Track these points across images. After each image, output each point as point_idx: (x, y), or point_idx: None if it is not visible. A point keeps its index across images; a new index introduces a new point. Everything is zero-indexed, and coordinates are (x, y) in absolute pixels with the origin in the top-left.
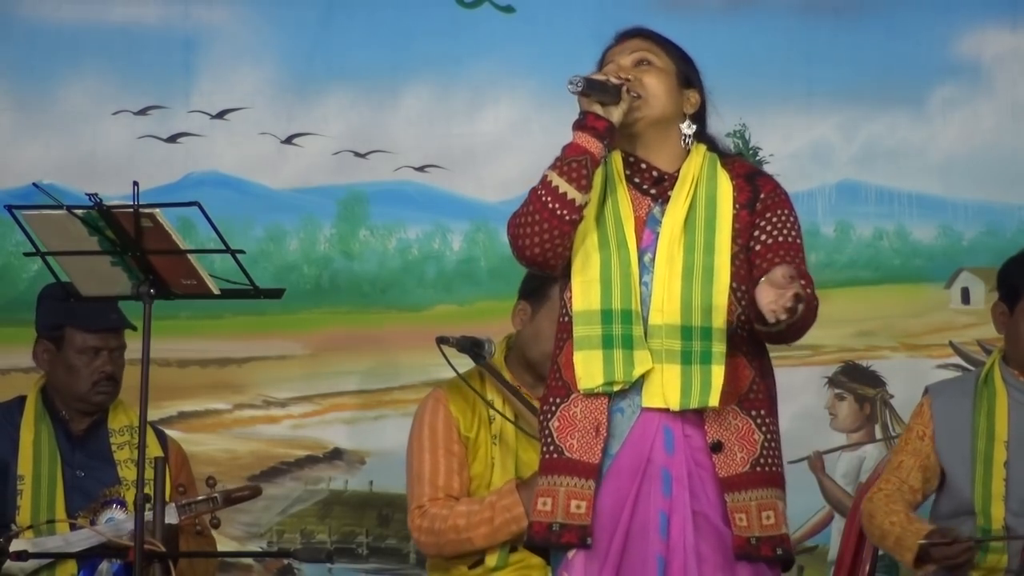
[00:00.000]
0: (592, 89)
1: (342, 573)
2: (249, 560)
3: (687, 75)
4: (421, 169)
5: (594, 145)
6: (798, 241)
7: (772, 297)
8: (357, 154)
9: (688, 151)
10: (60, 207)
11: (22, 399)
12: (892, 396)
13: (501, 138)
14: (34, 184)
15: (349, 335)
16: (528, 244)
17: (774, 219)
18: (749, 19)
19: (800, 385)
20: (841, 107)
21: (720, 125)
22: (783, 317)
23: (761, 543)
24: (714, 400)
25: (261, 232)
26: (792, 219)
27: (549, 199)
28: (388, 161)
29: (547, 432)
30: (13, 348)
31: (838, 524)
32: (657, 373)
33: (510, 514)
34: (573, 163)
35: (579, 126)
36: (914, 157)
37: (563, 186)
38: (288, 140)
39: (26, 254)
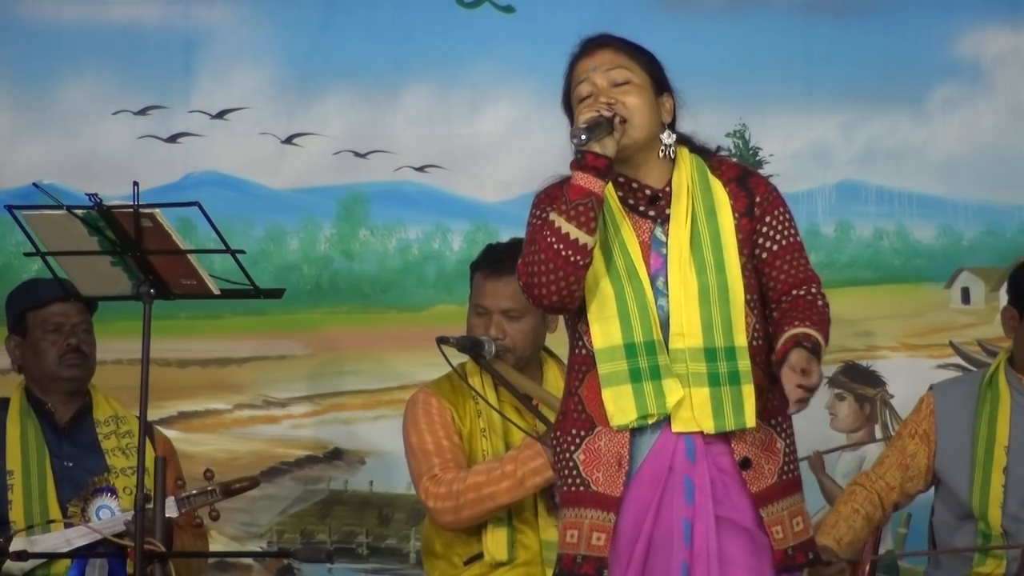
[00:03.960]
0: (592, 134)
1: (342, 573)
2: (249, 560)
3: (659, 81)
4: (421, 169)
5: (596, 184)
6: (798, 239)
7: (792, 387)
8: (357, 154)
9: (672, 160)
10: (60, 207)
11: (6, 400)
12: (892, 396)
13: (501, 138)
14: (34, 184)
15: (349, 335)
16: (546, 293)
17: (774, 222)
18: (749, 19)
19: None
20: (841, 107)
21: (719, 125)
22: (801, 407)
23: (796, 552)
24: (750, 421)
25: (261, 232)
26: (789, 217)
27: (560, 246)
28: (388, 161)
29: (572, 465)
30: None
31: None
32: (685, 399)
33: (533, 464)
34: (580, 207)
35: (579, 166)
36: (914, 157)
37: (573, 232)
38: (288, 140)
39: (26, 254)
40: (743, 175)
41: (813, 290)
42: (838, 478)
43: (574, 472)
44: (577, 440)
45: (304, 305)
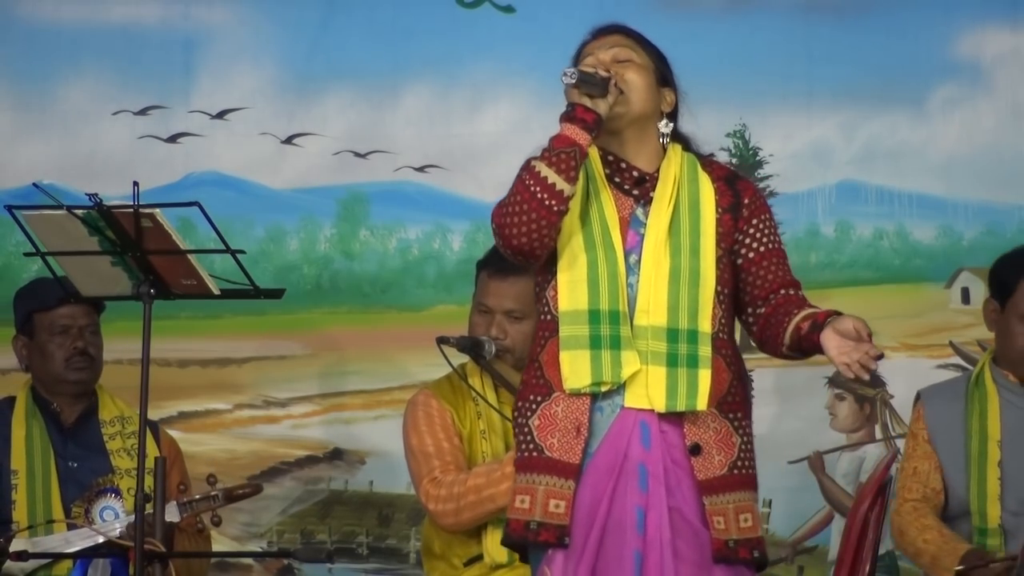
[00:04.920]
0: (584, 81)
1: (342, 573)
2: (249, 560)
3: (663, 74)
4: (421, 169)
5: (582, 137)
6: (782, 246)
7: (847, 349)
8: (357, 154)
9: (665, 150)
10: (60, 207)
11: (12, 399)
12: (892, 396)
13: (501, 138)
14: (34, 184)
15: (349, 335)
16: (515, 233)
17: (761, 226)
18: (749, 19)
19: (800, 385)
20: (841, 107)
21: (719, 125)
22: (865, 377)
23: (739, 546)
24: (702, 404)
25: (261, 232)
26: (774, 223)
27: (538, 189)
28: (388, 161)
29: (526, 430)
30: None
31: (838, 524)
32: (642, 374)
33: None
34: (562, 154)
35: (567, 118)
36: (914, 157)
37: (552, 176)
38: (288, 140)
39: (26, 254)
40: (732, 176)
41: (801, 293)
42: (838, 478)
43: (528, 437)
44: (533, 406)
45: (304, 305)
